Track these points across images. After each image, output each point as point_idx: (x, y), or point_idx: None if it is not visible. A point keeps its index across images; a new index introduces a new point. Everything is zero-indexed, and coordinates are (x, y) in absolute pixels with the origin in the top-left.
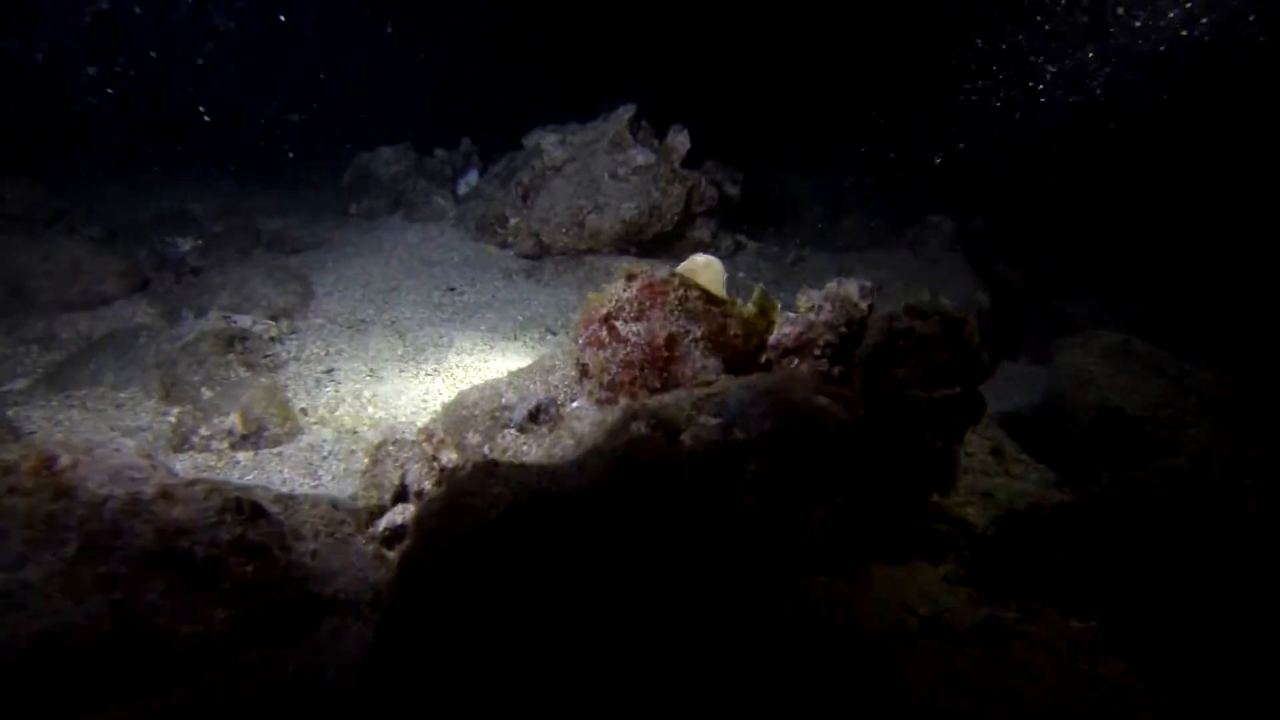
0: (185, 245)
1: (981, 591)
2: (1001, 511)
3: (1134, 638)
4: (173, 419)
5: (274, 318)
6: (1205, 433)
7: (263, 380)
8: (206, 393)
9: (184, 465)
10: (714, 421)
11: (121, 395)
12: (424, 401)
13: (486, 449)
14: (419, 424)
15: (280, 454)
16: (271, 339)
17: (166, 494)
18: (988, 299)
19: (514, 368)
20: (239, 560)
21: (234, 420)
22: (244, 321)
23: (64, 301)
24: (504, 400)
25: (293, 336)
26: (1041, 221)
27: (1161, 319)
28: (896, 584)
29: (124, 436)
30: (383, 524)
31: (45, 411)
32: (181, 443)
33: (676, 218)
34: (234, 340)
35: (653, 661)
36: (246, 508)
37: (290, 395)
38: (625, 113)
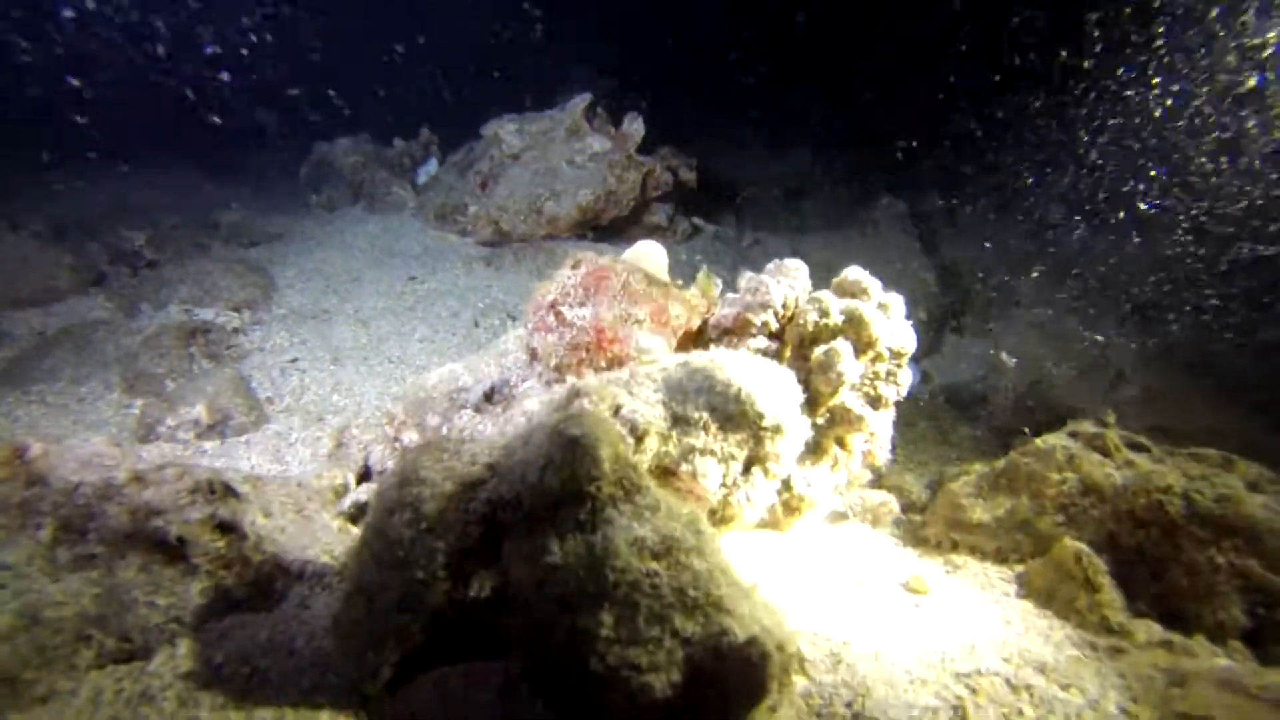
0: (139, 239)
1: (914, 549)
2: (936, 476)
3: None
4: (136, 411)
5: (236, 310)
6: (1116, 397)
7: (227, 371)
8: (170, 385)
9: (151, 456)
10: (654, 397)
11: (82, 390)
12: (388, 388)
13: (445, 429)
14: (382, 409)
15: (247, 442)
16: (234, 331)
17: (138, 478)
18: (935, 277)
19: (474, 353)
20: (211, 537)
21: (200, 410)
22: (206, 314)
23: (13, 298)
24: (461, 383)
25: (256, 328)
26: (991, 201)
27: (1093, 294)
28: (835, 546)
29: (87, 430)
30: (348, 501)
31: (2, 408)
32: (147, 434)
33: (633, 203)
34: (196, 333)
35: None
36: (218, 488)
37: (255, 385)
38: (581, 101)
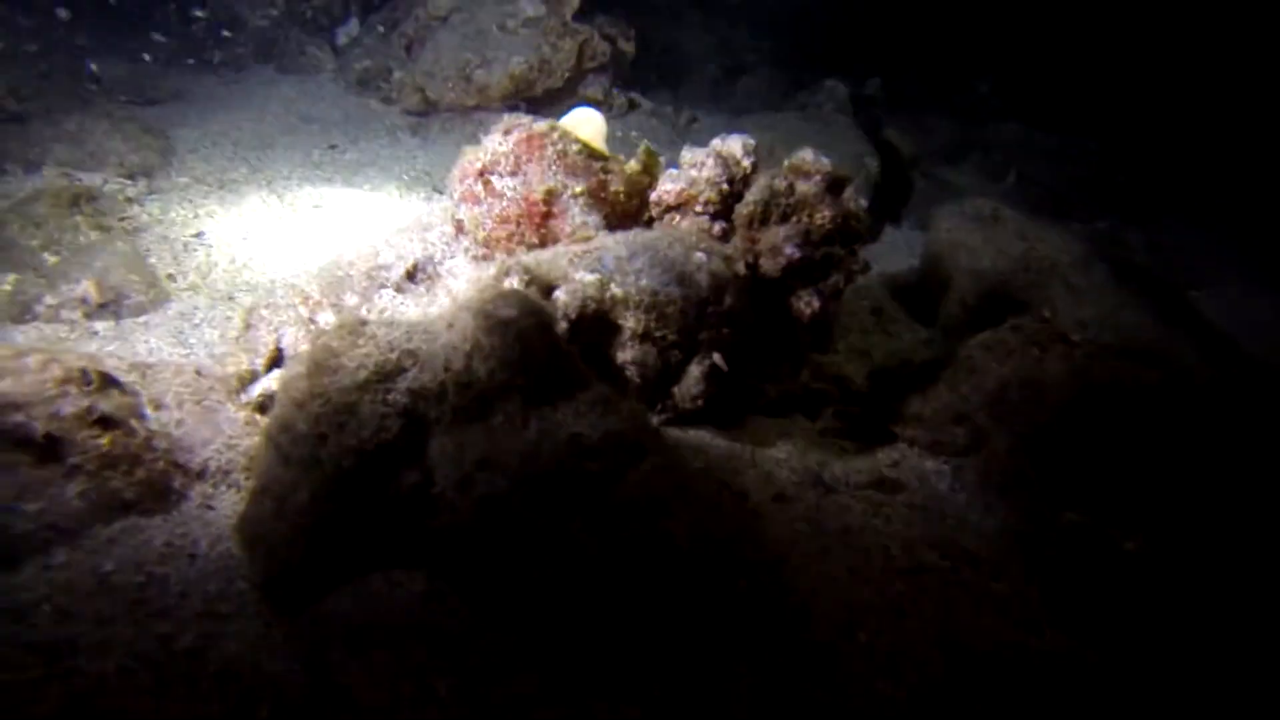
0: None
1: (853, 442)
2: (877, 368)
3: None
4: (7, 286)
5: (129, 176)
6: (1053, 294)
7: (120, 245)
8: (49, 258)
9: (29, 338)
10: (590, 277)
11: None
12: (304, 265)
13: (364, 310)
14: (296, 288)
15: (146, 323)
16: (128, 200)
17: None
18: (876, 164)
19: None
20: (90, 434)
21: (87, 287)
22: (91, 180)
23: None
24: (381, 259)
25: (153, 198)
26: (934, 89)
27: (1032, 188)
28: (773, 437)
29: None
30: (256, 389)
31: None
32: (22, 313)
33: (568, 74)
34: (80, 200)
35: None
36: (94, 377)
37: (154, 261)
38: None
